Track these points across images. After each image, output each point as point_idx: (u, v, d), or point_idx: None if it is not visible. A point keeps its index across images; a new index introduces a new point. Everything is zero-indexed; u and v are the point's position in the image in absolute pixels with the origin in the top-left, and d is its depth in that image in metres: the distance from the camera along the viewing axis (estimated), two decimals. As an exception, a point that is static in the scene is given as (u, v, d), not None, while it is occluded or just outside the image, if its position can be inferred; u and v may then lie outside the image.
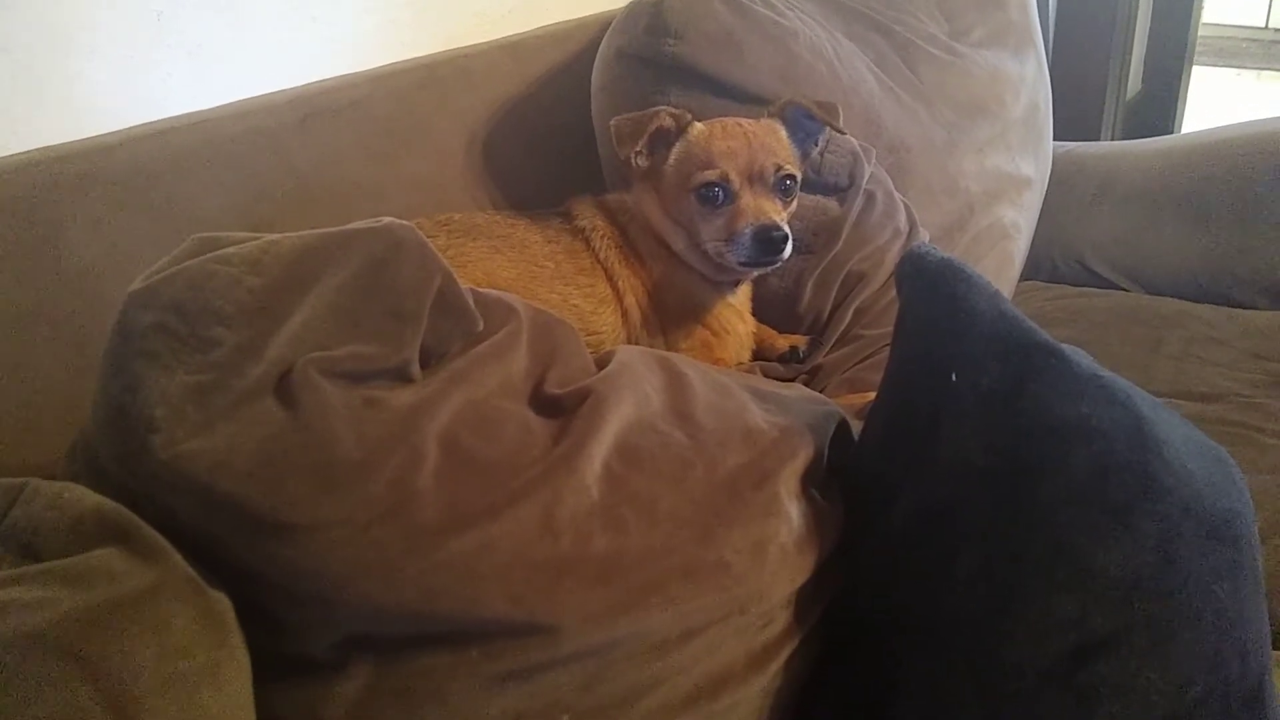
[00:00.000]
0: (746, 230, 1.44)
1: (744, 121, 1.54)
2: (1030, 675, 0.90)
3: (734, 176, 1.47)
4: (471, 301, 1.01)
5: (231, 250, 0.92)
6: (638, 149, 1.49)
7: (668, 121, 1.50)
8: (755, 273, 1.60)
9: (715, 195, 1.47)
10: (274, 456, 0.82)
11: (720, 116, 1.60)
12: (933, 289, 1.05)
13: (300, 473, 0.83)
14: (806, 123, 1.59)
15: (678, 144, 1.51)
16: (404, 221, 0.98)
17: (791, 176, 1.51)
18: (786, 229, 1.45)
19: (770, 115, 1.58)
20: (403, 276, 0.94)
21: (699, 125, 1.52)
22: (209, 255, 0.92)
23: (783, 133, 1.57)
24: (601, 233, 1.61)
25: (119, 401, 0.85)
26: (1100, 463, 0.91)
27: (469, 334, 1.00)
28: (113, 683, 0.73)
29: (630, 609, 0.90)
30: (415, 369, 0.94)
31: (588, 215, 1.62)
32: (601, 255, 1.59)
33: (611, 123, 1.48)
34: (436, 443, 0.88)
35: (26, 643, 0.72)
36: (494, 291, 1.09)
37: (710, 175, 1.46)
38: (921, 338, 1.06)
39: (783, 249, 1.45)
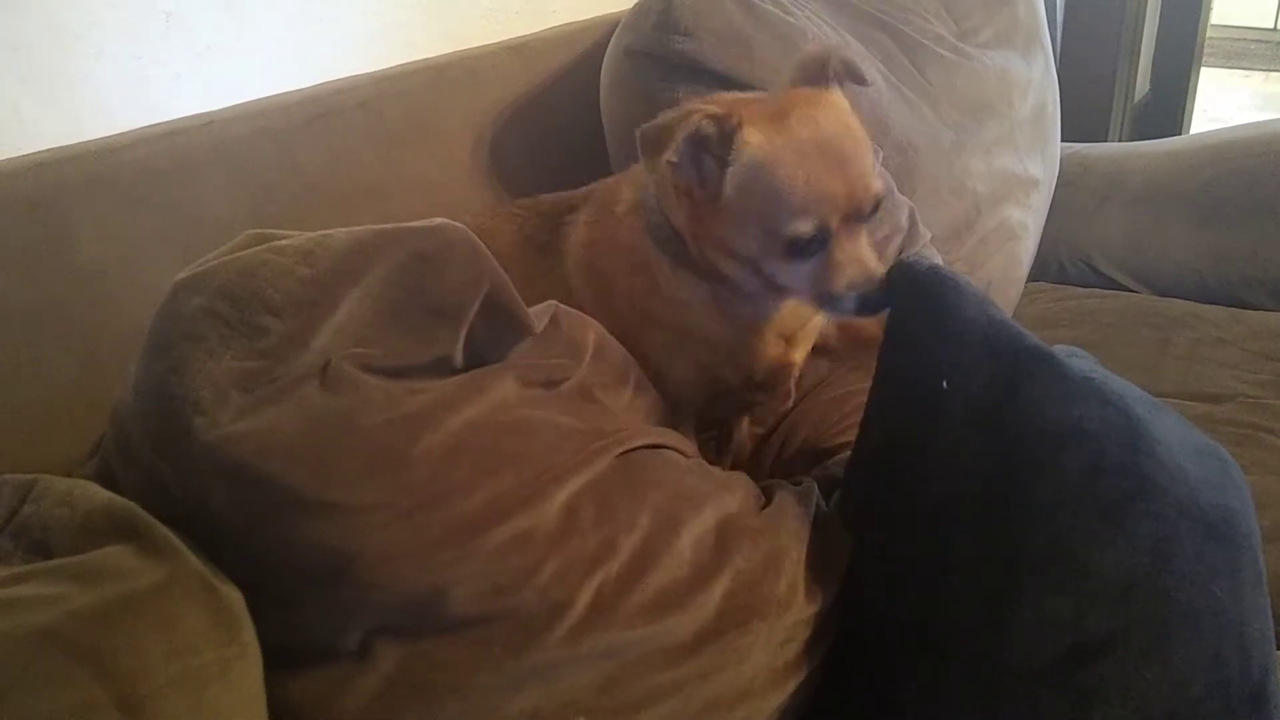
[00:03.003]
0: (850, 295, 1.12)
1: (819, 120, 1.15)
2: (1028, 676, 0.91)
3: (833, 222, 1.12)
4: (523, 307, 1.01)
5: (285, 242, 0.94)
6: (670, 158, 1.12)
7: (706, 127, 1.11)
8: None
9: (808, 250, 1.12)
10: (320, 440, 0.84)
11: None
12: (921, 297, 1.06)
13: (346, 456, 0.84)
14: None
15: (735, 164, 1.12)
16: (458, 224, 0.98)
17: (880, 200, 1.16)
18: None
19: (828, 82, 1.20)
20: (448, 276, 0.95)
21: (753, 138, 1.12)
22: (262, 246, 0.94)
23: (858, 124, 1.19)
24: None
25: (162, 383, 0.86)
26: (1093, 463, 0.92)
27: (520, 338, 1.01)
28: (122, 679, 0.74)
29: (651, 611, 0.92)
30: (456, 365, 0.95)
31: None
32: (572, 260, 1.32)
33: (637, 132, 1.15)
34: (474, 438, 0.90)
35: (37, 639, 0.73)
36: (581, 316, 1.11)
37: (804, 228, 1.10)
38: (911, 346, 1.07)
39: (883, 308, 1.13)
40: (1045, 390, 0.96)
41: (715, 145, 1.12)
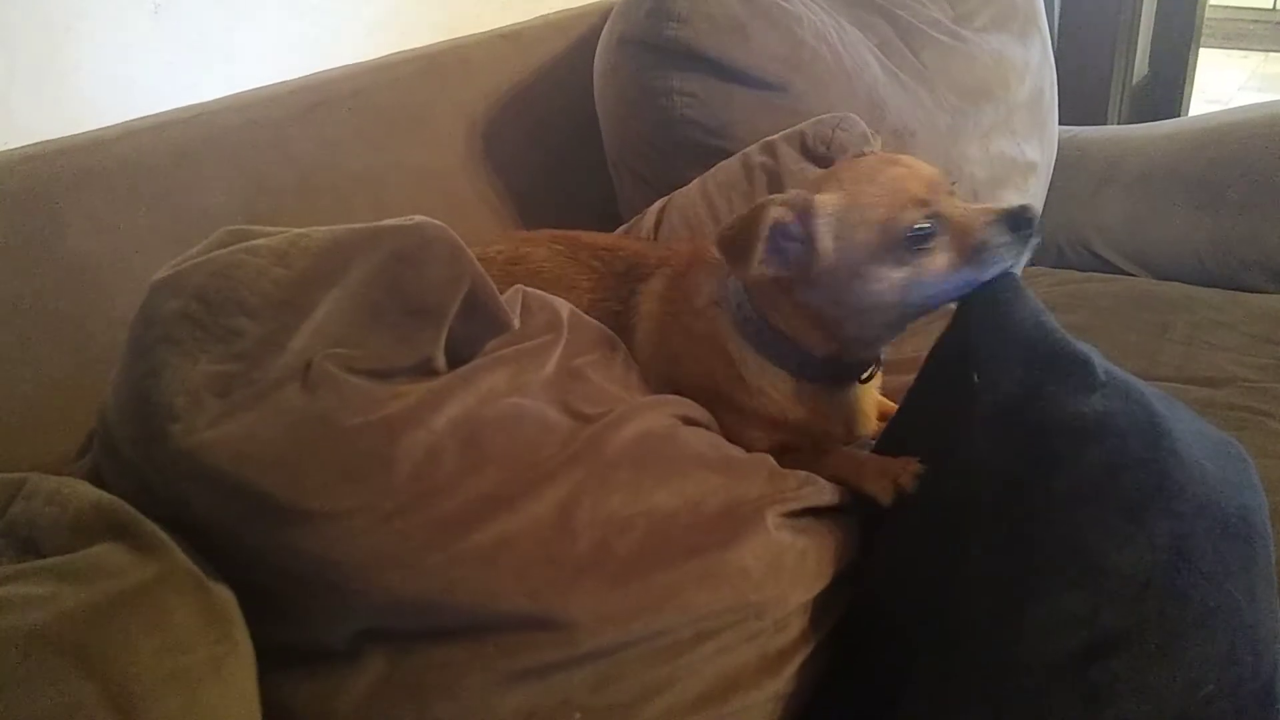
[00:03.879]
0: (997, 224, 1.09)
1: (862, 160, 1.23)
2: (1040, 672, 0.90)
3: (931, 197, 1.11)
4: (503, 305, 1.01)
5: (260, 242, 0.93)
6: (759, 259, 1.11)
7: (782, 214, 1.12)
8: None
9: (927, 232, 1.09)
10: (296, 446, 0.83)
11: (727, 102, 1.61)
12: (983, 292, 1.08)
13: (322, 462, 0.83)
14: None
15: (821, 219, 1.12)
16: (436, 221, 0.97)
17: (954, 184, 1.18)
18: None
19: None
20: (427, 275, 0.94)
21: (826, 196, 1.14)
22: (237, 246, 0.92)
23: None
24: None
25: (140, 387, 0.86)
26: (1113, 460, 0.91)
27: (498, 335, 1.00)
28: (114, 679, 0.73)
29: (647, 610, 0.92)
30: (438, 366, 0.94)
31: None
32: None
33: (717, 242, 1.15)
34: (457, 436, 0.89)
35: (28, 639, 0.72)
36: (545, 296, 1.10)
37: (915, 213, 1.09)
38: (960, 335, 1.08)
39: (1037, 231, 1.10)
40: (1070, 386, 0.96)
41: (794, 225, 1.13)
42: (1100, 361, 1.00)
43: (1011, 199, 2.13)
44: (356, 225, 0.95)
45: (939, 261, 1.10)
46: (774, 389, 1.22)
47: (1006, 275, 1.09)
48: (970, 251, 1.09)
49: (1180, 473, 0.91)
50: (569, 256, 1.41)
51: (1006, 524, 0.94)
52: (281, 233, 0.94)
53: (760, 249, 1.11)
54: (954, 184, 1.15)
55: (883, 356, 1.27)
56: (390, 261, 0.92)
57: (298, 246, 0.91)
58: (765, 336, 1.21)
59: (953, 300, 1.13)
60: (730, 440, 1.16)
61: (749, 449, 1.15)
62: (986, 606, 0.94)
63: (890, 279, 1.11)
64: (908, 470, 1.08)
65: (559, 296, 1.17)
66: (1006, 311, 1.04)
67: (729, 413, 1.22)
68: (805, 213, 1.13)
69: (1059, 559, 0.91)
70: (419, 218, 0.96)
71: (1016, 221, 1.08)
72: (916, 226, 1.09)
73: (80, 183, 1.18)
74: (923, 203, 1.10)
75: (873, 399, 1.32)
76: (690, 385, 1.21)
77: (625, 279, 1.36)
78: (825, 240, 1.12)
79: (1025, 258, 1.11)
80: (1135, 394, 0.96)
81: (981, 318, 1.07)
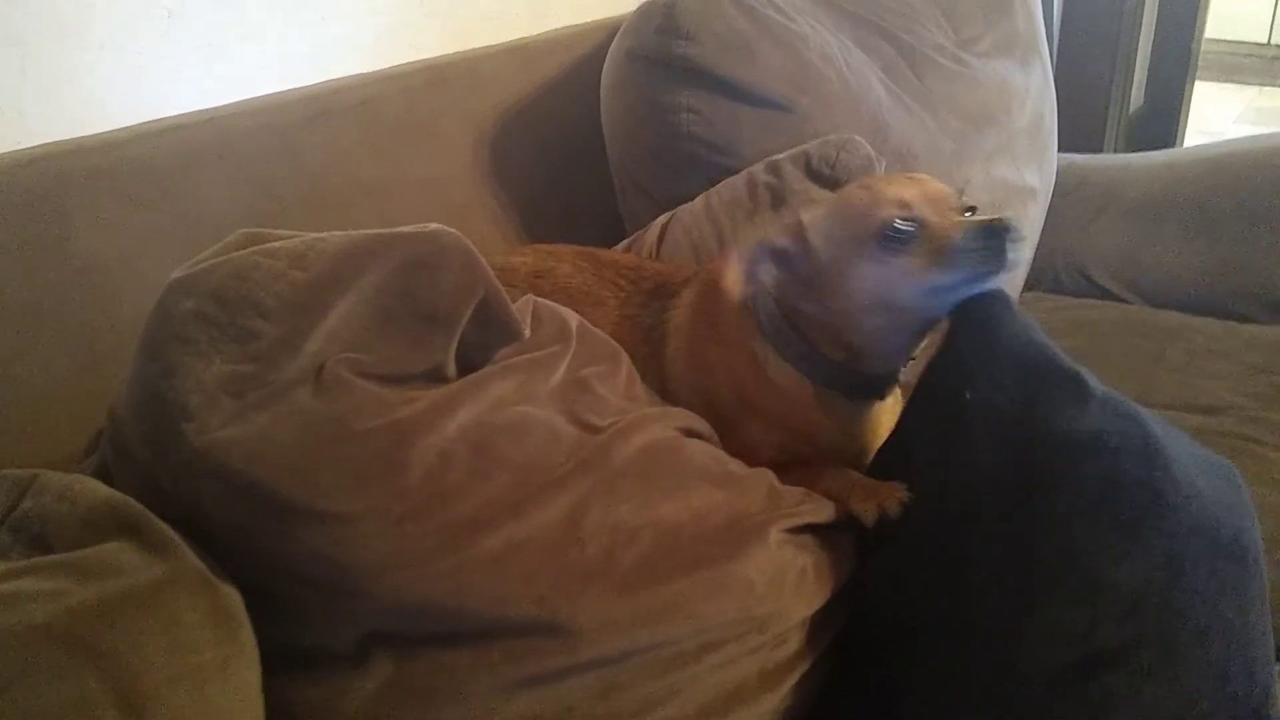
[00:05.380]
0: (960, 235, 1.09)
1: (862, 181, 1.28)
2: (1040, 685, 0.90)
3: (915, 203, 1.13)
4: (515, 314, 1.02)
5: (277, 245, 0.93)
6: (742, 280, 1.17)
7: (776, 236, 1.19)
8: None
9: (903, 233, 1.11)
10: (309, 447, 0.83)
11: (733, 120, 1.63)
12: (974, 310, 1.09)
13: (334, 464, 0.83)
14: None
15: (811, 228, 1.18)
16: (451, 229, 0.98)
17: (973, 209, 1.17)
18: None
19: None
20: (441, 282, 0.95)
21: (814, 209, 1.20)
22: (255, 248, 0.92)
23: None
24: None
25: (154, 386, 0.86)
26: (1110, 477, 0.92)
27: (509, 343, 1.01)
28: (121, 676, 0.73)
29: (652, 620, 0.92)
30: (449, 372, 0.95)
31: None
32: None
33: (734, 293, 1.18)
34: (468, 441, 0.89)
35: (36, 635, 0.72)
36: (555, 306, 1.11)
37: (890, 210, 1.12)
38: (951, 355, 1.09)
39: (1011, 243, 1.07)
40: (1066, 403, 0.97)
41: (793, 243, 1.19)
42: (1093, 379, 1.01)
43: (1011, 224, 2.14)
44: (373, 231, 0.96)
45: (913, 263, 1.11)
46: (796, 388, 1.24)
47: (997, 293, 1.09)
48: (940, 255, 1.10)
49: (1174, 492, 0.92)
50: (594, 273, 1.44)
51: (1007, 536, 0.95)
52: (299, 236, 0.94)
53: (742, 269, 1.16)
54: (972, 208, 1.16)
55: (903, 378, 1.27)
56: (405, 267, 0.93)
57: (315, 250, 0.92)
58: (787, 337, 1.24)
59: (939, 311, 1.15)
60: (747, 446, 1.18)
61: (762, 453, 1.18)
62: (987, 617, 0.95)
63: (868, 276, 1.14)
64: (894, 496, 1.10)
65: (585, 311, 1.19)
66: (997, 329, 1.05)
67: (754, 418, 1.24)
68: (799, 231, 1.19)
69: (1058, 572, 0.92)
70: (435, 225, 0.97)
71: (989, 232, 1.08)
72: (893, 226, 1.11)
73: (90, 185, 1.18)
74: (903, 204, 1.12)
75: (891, 424, 1.32)
76: (721, 393, 1.24)
77: (655, 296, 1.39)
78: (816, 240, 1.18)
79: (1003, 270, 1.08)
80: (1130, 413, 0.97)
81: (972, 336, 1.08)
